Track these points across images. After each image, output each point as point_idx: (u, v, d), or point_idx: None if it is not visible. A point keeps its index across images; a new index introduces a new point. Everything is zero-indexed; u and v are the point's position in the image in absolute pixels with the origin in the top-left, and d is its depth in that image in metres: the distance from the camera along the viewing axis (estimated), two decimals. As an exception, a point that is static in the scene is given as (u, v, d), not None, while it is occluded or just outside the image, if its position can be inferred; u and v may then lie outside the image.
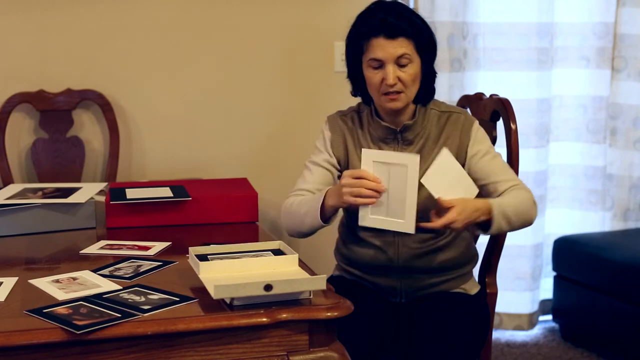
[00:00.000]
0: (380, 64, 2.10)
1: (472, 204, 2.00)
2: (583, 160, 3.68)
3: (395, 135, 2.19)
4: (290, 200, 2.24)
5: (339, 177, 2.25)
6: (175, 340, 1.62)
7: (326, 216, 2.11)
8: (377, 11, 2.12)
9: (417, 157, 1.98)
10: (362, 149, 2.05)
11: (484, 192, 2.15)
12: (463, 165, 2.15)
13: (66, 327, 1.54)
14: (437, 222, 1.96)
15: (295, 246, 3.21)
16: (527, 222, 2.13)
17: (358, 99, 2.29)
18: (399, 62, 2.09)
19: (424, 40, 2.13)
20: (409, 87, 2.11)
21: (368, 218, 2.04)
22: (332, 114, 2.30)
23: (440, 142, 2.18)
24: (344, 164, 2.25)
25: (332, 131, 2.25)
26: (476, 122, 2.21)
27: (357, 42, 2.14)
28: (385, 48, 2.08)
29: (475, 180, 2.12)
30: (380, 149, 2.20)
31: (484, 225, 2.05)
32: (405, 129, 2.18)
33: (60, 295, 1.75)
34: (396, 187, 2.00)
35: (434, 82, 2.22)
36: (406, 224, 2.00)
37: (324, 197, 2.09)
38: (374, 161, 2.02)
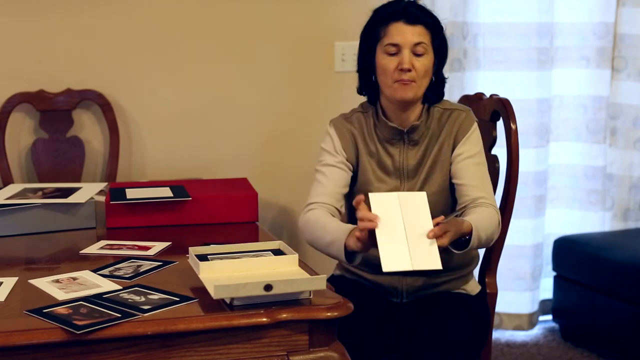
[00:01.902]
0: (397, 50, 2.11)
1: (460, 229, 1.96)
2: (583, 160, 3.68)
3: (402, 136, 2.19)
4: (313, 216, 2.15)
5: (354, 180, 2.24)
6: (175, 340, 1.62)
7: (351, 255, 2.02)
8: (399, 1, 2.17)
9: (424, 195, 1.95)
10: (369, 194, 1.94)
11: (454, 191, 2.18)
12: (449, 162, 2.19)
13: (66, 327, 1.54)
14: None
15: (295, 246, 3.22)
16: (489, 244, 2.14)
17: (359, 100, 2.29)
18: (415, 51, 2.11)
19: (439, 37, 2.16)
20: (420, 78, 2.12)
21: (391, 262, 1.88)
22: (335, 118, 2.28)
23: (440, 140, 2.19)
24: (354, 167, 2.23)
25: (340, 135, 2.23)
26: (475, 124, 2.21)
27: (375, 29, 2.16)
28: (404, 33, 2.10)
29: (451, 178, 2.17)
30: (386, 149, 2.20)
31: (458, 245, 2.01)
32: (412, 129, 2.18)
33: (60, 295, 1.75)
34: (411, 225, 1.90)
35: (443, 87, 2.23)
36: (431, 260, 1.88)
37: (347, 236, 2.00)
38: (384, 205, 1.92)
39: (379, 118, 2.21)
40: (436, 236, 1.88)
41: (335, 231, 2.05)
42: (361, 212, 1.91)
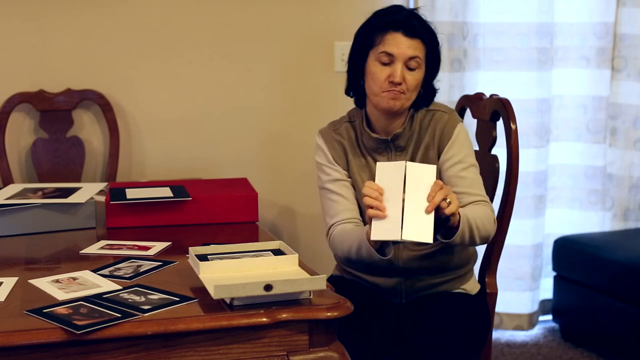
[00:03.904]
0: (390, 60, 2.09)
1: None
2: (583, 160, 3.68)
3: (387, 145, 2.19)
4: (337, 234, 2.16)
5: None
6: (175, 340, 1.62)
7: (381, 249, 2.00)
8: (401, 10, 2.14)
9: (434, 168, 1.90)
10: (377, 163, 1.93)
11: None
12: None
13: (66, 327, 1.54)
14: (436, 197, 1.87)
15: (295, 246, 3.22)
16: (485, 238, 2.09)
17: (352, 105, 2.28)
18: (409, 65, 2.09)
19: (434, 51, 2.15)
20: (410, 91, 2.11)
21: (380, 231, 1.87)
22: (323, 128, 2.28)
23: (424, 143, 2.18)
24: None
25: (329, 146, 2.23)
26: (460, 124, 2.19)
27: (371, 33, 2.13)
28: (401, 45, 2.08)
29: None
30: (373, 159, 2.20)
31: (447, 234, 1.99)
32: (396, 137, 2.18)
33: (60, 295, 1.75)
34: (411, 197, 1.86)
35: (433, 96, 2.22)
36: (423, 232, 1.84)
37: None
38: (388, 174, 1.89)
39: (364, 128, 2.20)
40: (439, 188, 1.84)
41: (359, 234, 2.05)
42: (366, 188, 1.89)
